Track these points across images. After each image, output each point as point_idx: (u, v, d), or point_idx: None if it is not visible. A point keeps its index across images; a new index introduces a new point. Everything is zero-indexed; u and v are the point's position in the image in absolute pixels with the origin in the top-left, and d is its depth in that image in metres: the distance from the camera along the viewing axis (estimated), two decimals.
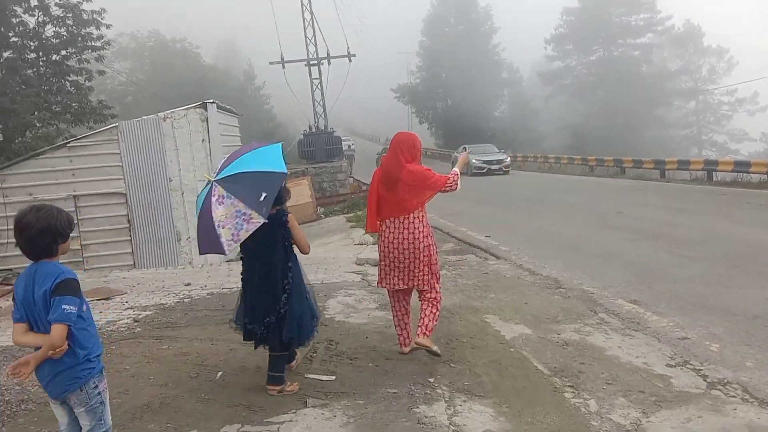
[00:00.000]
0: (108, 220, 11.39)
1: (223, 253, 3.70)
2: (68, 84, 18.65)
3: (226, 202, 3.72)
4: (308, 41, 22.46)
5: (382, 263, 4.81)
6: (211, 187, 3.83)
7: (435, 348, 4.66)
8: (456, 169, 4.98)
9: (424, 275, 4.71)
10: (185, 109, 11.65)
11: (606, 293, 6.69)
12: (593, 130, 44.69)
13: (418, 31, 52.67)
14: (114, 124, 11.67)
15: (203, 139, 11.51)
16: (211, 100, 11.98)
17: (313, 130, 19.81)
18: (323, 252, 10.02)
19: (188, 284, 7.38)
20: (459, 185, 4.89)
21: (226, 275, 8.00)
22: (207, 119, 11.51)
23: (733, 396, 3.94)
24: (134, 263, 11.44)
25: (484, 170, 24.90)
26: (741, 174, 17.00)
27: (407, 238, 4.65)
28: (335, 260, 9.00)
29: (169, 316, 6.06)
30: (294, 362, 4.46)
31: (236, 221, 3.68)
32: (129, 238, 11.43)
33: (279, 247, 4.07)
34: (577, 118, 47.49)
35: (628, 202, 14.20)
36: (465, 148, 5.26)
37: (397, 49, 60.85)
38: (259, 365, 4.44)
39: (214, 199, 3.75)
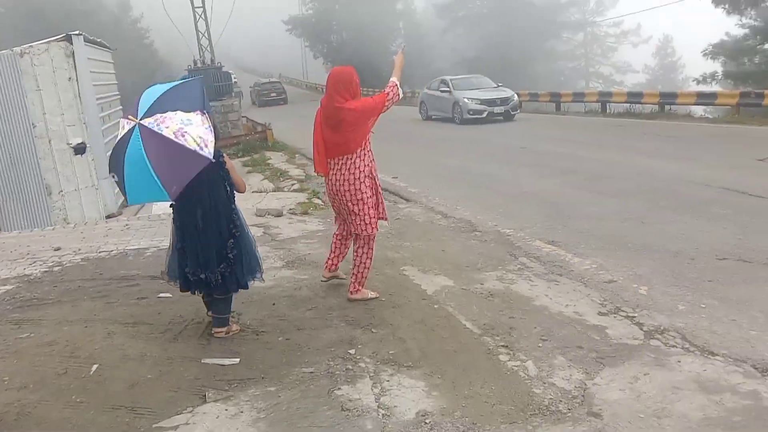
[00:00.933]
0: None
1: (207, 162, 3.37)
2: None
3: (166, 122, 3.40)
4: None
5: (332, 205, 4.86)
6: (139, 129, 3.41)
7: (372, 295, 4.70)
8: (393, 78, 4.58)
9: (362, 218, 4.56)
10: (46, 42, 10.06)
11: (523, 234, 6.40)
12: (488, 64, 44.86)
13: None
14: None
15: (70, 78, 10.00)
16: (76, 32, 10.43)
17: (199, 65, 18.12)
18: None
19: (58, 249, 6.34)
20: (401, 93, 4.60)
21: (103, 236, 7.00)
22: (73, 54, 10.02)
23: (674, 346, 3.70)
24: None
25: (483, 114, 17.60)
26: (633, 105, 17.45)
27: (348, 179, 4.45)
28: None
29: (35, 290, 5.09)
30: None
31: (188, 128, 3.39)
32: None
33: (221, 187, 3.88)
34: (472, 51, 47.45)
35: (528, 137, 14.15)
36: (403, 47, 4.59)
37: None
38: (144, 353, 3.71)
39: (148, 132, 3.37)
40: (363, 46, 47.23)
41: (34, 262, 5.93)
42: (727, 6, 22.95)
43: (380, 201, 4.79)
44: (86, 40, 11.12)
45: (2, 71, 9.68)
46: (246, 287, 4.08)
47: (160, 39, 51.40)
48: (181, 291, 4.08)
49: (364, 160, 4.49)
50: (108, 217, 9.92)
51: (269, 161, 13.66)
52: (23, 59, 9.77)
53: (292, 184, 10.65)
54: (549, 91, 21.77)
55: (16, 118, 9.80)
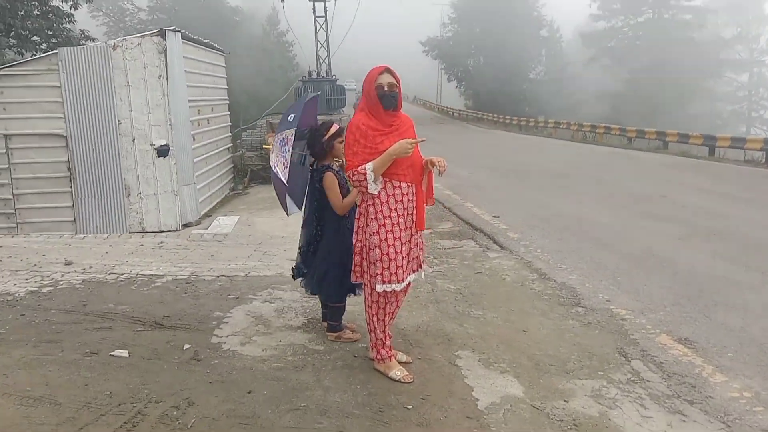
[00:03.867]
0: (47, 167, 9.58)
1: (285, 185, 3.84)
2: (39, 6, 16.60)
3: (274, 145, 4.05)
4: None
5: None
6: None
7: (395, 375, 3.58)
8: (368, 165, 3.52)
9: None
10: (140, 36, 9.61)
11: (644, 321, 4.63)
12: (634, 100, 41.42)
13: None
14: (54, 51, 9.69)
15: (160, 75, 9.48)
16: (173, 28, 9.92)
17: (314, 76, 17.48)
18: (280, 225, 7.88)
19: (69, 263, 5.51)
20: (371, 188, 3.41)
21: (128, 253, 6.09)
22: (165, 50, 9.47)
23: None
24: (74, 219, 9.66)
25: None
26: None
27: None
28: (284, 240, 6.97)
29: None
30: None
31: (281, 150, 3.90)
32: (69, 189, 9.61)
33: (312, 199, 4.07)
34: (618, 85, 44.08)
35: (672, 184, 11.88)
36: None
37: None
38: None
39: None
40: (500, 72, 45.46)
41: (33, 276, 5.09)
42: None
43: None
44: (185, 38, 10.64)
45: (95, 64, 9.31)
46: (337, 301, 4.02)
47: (304, 52, 52.85)
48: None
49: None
50: (185, 225, 9.24)
51: None
52: (116, 52, 9.35)
53: None
54: (702, 133, 18.91)
55: (103, 113, 9.39)
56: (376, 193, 3.39)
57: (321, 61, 18.88)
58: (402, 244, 3.48)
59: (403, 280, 3.51)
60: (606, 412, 3.26)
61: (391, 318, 3.70)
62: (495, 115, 38.27)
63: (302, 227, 4.14)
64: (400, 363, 3.71)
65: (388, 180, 3.41)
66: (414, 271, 3.65)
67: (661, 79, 40.71)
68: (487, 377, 3.61)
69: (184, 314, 4.33)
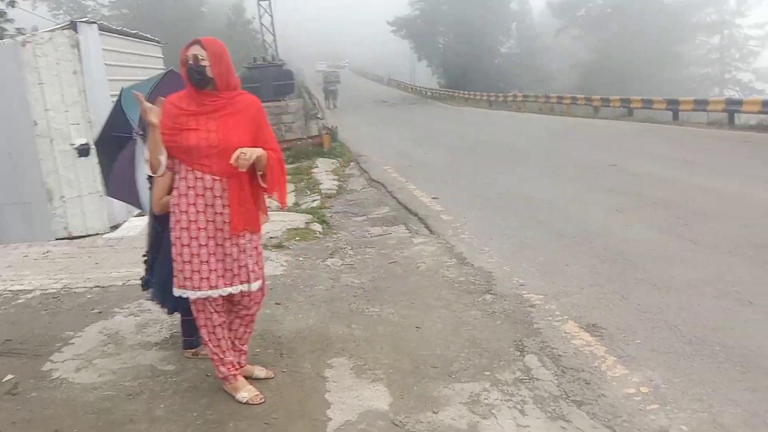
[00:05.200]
0: None
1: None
2: None
3: None
4: None
5: None
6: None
7: (241, 396, 3.14)
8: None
9: None
10: (50, 31, 9.01)
11: (554, 307, 4.21)
12: (606, 69, 40.90)
13: None
14: None
15: (75, 71, 8.90)
16: (85, 19, 9.33)
17: (259, 62, 16.81)
18: None
19: None
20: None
21: (6, 266, 5.57)
22: (79, 44, 8.89)
23: None
24: None
25: None
26: None
27: None
28: None
29: None
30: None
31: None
32: None
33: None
34: (590, 54, 43.57)
35: (627, 152, 11.47)
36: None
37: None
38: None
39: None
40: (471, 48, 44.73)
41: None
42: None
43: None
44: (107, 30, 10.05)
45: (2, 62, 8.72)
46: (187, 312, 3.24)
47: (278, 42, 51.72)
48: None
49: None
50: (114, 227, 8.74)
51: (314, 169, 12.03)
52: (25, 49, 8.74)
53: (313, 200, 8.91)
54: (666, 97, 18.50)
55: (16, 114, 8.82)
56: (159, 174, 2.94)
57: (268, 45, 18.24)
58: (200, 245, 2.94)
59: (200, 287, 2.95)
60: (476, 424, 2.83)
61: (245, 332, 3.23)
62: (465, 93, 37.76)
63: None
64: (257, 379, 3.27)
65: (189, 170, 2.91)
66: (242, 282, 3.03)
67: (632, 47, 40.27)
68: (353, 389, 3.17)
69: (29, 336, 3.85)
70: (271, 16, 18.99)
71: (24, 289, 4.79)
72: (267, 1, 18.94)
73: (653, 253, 5.19)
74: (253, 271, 3.07)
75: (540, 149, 12.93)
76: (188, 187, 2.89)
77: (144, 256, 3.58)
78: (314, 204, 8.61)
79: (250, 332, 3.27)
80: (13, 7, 17.44)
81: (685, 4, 43.77)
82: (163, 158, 2.89)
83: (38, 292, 4.70)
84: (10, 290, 4.81)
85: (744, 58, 45.98)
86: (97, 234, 8.53)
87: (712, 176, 8.45)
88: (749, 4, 44.99)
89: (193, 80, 2.88)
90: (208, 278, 2.95)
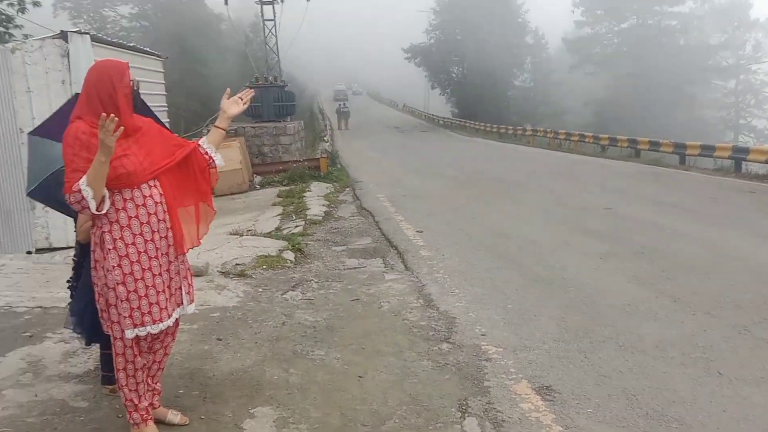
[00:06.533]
0: None
1: None
2: None
3: None
4: None
5: None
6: None
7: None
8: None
9: None
10: (41, 39, 8.98)
11: (510, 363, 3.94)
12: (619, 107, 40.73)
13: None
14: None
15: (63, 80, 8.85)
16: (76, 29, 9.29)
17: (261, 81, 16.75)
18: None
19: None
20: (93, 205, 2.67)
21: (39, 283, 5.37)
22: (68, 54, 8.83)
23: None
24: None
25: None
26: None
27: None
28: None
29: None
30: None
31: None
32: None
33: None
34: (603, 92, 43.41)
35: (626, 195, 11.21)
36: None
37: (417, 6, 56.41)
38: None
39: None
40: (485, 79, 44.81)
41: None
42: None
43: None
44: (101, 41, 10.01)
45: None
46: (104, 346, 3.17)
47: (295, 60, 51.90)
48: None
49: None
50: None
51: (306, 193, 11.84)
52: (15, 56, 8.73)
53: (296, 226, 8.69)
54: (673, 141, 18.22)
55: (2, 121, 8.77)
56: (106, 212, 2.70)
57: (270, 66, 18.25)
58: (154, 276, 2.78)
59: (161, 320, 2.82)
60: None
61: (159, 369, 3.02)
62: (477, 123, 37.71)
63: None
64: (171, 424, 3.03)
65: (129, 198, 2.72)
66: (179, 305, 2.96)
67: (646, 87, 40.13)
68: None
69: None
70: (276, 36, 19.05)
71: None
72: (273, 21, 18.98)
73: (627, 308, 4.90)
74: (188, 293, 3.01)
75: (536, 185, 12.70)
76: (130, 217, 2.71)
77: (68, 281, 3.37)
78: (296, 230, 8.39)
79: (163, 368, 3.07)
80: (23, 13, 17.58)
81: (701, 46, 43.73)
82: (107, 193, 2.69)
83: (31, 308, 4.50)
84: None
85: (760, 104, 45.69)
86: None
87: (708, 227, 8.16)
88: (766, 50, 44.85)
89: (136, 104, 2.76)
90: (165, 308, 2.83)
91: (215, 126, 3.13)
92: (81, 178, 2.59)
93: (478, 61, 44.75)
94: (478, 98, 45.44)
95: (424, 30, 48.72)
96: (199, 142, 3.04)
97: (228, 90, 3.17)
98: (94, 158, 2.56)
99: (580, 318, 4.73)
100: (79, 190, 2.57)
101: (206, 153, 3.00)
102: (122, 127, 2.58)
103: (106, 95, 2.70)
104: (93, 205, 2.61)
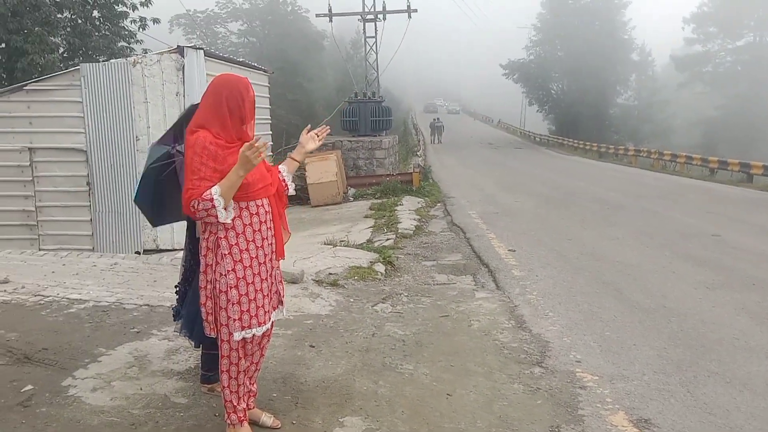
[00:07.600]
0: (67, 181, 9.75)
1: None
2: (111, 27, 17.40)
3: None
4: None
5: None
6: None
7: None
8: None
9: None
10: (159, 53, 9.64)
11: (607, 391, 3.78)
12: (731, 129, 38.38)
13: (538, 4, 47.65)
14: (77, 67, 9.86)
15: (177, 92, 9.45)
16: (192, 45, 9.89)
17: (359, 97, 17.08)
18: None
19: (5, 281, 5.29)
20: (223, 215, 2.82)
21: (74, 274, 5.80)
22: (183, 68, 9.41)
23: None
24: (92, 233, 9.75)
25: None
26: None
27: None
28: None
29: None
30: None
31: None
32: (88, 204, 9.71)
33: (187, 228, 3.40)
34: (714, 112, 41.01)
35: (735, 221, 10.52)
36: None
37: (517, 23, 55.78)
38: None
39: None
40: (586, 96, 43.54)
41: None
42: None
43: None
44: (213, 56, 10.60)
45: (115, 79, 9.40)
46: (210, 347, 3.26)
47: (392, 77, 52.67)
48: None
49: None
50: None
51: (398, 207, 11.94)
52: (135, 69, 9.42)
53: (387, 239, 8.78)
54: None
55: (121, 128, 9.48)
56: (230, 221, 2.85)
57: (369, 82, 18.61)
58: (262, 280, 2.94)
59: (265, 322, 2.97)
60: None
61: (256, 370, 3.14)
62: (575, 141, 36.70)
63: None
64: (264, 426, 3.13)
65: (244, 207, 2.88)
66: (275, 308, 3.10)
67: (761, 108, 37.54)
68: None
69: (65, 348, 3.94)
70: (376, 53, 19.41)
71: (80, 299, 4.97)
72: (374, 38, 19.38)
73: (736, 343, 4.59)
74: (284, 295, 3.20)
75: (637, 207, 12.16)
76: (244, 225, 2.87)
77: (176, 286, 3.56)
78: (387, 243, 8.48)
79: (259, 369, 3.19)
80: (144, 29, 18.91)
81: None
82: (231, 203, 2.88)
83: (91, 303, 4.86)
84: (67, 298, 5.00)
85: None
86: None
87: None
88: None
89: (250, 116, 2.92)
90: (268, 311, 3.01)
91: (290, 157, 3.30)
92: (209, 186, 2.74)
93: (579, 78, 43.60)
94: (577, 115, 44.27)
95: (524, 46, 48.05)
96: (279, 168, 3.19)
97: (308, 126, 3.36)
98: (231, 171, 2.72)
99: (684, 350, 4.47)
100: (211, 199, 2.72)
101: (284, 180, 3.16)
102: (266, 145, 2.77)
103: (236, 107, 2.84)
104: (223, 215, 2.77)
